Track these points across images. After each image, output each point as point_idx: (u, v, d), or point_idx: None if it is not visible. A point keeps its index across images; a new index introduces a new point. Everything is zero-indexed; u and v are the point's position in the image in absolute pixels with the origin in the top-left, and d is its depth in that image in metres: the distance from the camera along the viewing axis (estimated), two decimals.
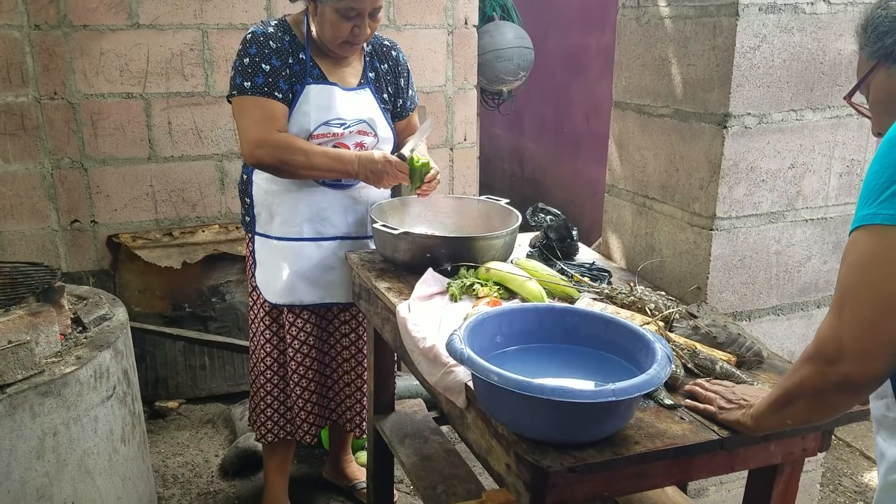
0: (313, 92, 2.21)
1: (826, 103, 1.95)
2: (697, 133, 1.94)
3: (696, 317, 1.73)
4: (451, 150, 3.74)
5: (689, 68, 1.95)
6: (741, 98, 1.84)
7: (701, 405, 1.41)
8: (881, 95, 1.22)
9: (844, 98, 1.36)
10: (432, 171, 2.30)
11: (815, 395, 1.15)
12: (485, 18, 4.38)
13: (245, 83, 2.16)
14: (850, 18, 1.91)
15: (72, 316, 2.24)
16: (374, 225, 2.12)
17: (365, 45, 2.35)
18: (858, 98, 1.31)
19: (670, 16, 2.00)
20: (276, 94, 2.17)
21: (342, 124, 2.25)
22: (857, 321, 1.06)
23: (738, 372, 1.54)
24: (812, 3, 1.86)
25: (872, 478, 3.08)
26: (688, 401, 1.45)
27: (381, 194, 2.44)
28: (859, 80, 1.26)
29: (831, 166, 2.02)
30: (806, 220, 2.03)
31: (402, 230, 2.08)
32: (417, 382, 2.75)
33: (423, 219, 2.41)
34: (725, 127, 1.85)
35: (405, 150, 2.28)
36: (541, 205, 2.31)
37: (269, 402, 2.49)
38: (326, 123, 2.23)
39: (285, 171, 2.20)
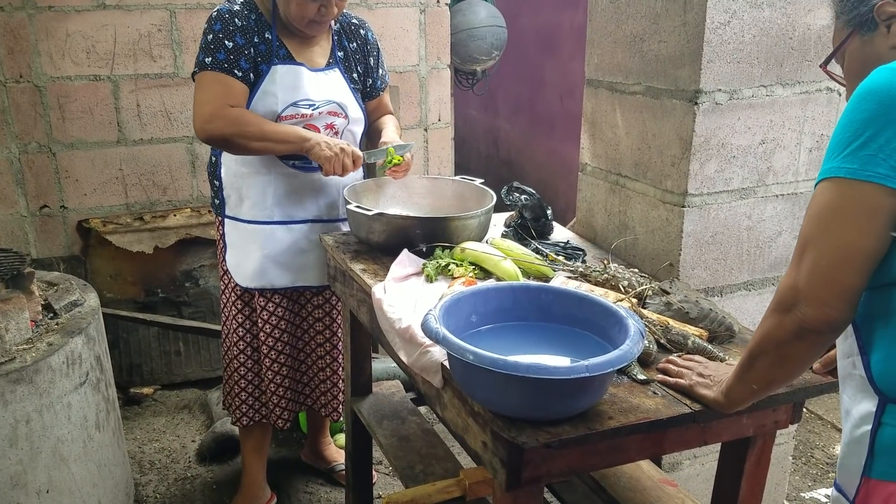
0: (279, 72, 2.18)
1: (796, 79, 1.97)
2: (669, 110, 1.95)
3: (668, 293, 1.74)
4: (426, 130, 3.72)
5: (661, 45, 1.95)
6: (712, 74, 1.85)
7: (672, 379, 1.43)
8: (855, 63, 1.25)
9: (820, 66, 1.38)
10: (407, 157, 2.29)
11: (776, 349, 1.18)
12: None
13: (206, 59, 2.13)
14: None
15: (42, 302, 2.21)
16: (349, 206, 2.10)
17: (333, 23, 2.32)
18: (834, 68, 1.33)
19: None
20: (236, 71, 2.14)
21: (311, 105, 2.22)
22: (814, 269, 1.09)
23: (709, 347, 1.56)
24: None
25: None
26: (660, 375, 1.46)
27: (353, 177, 2.42)
28: (835, 49, 1.28)
29: (801, 141, 2.03)
30: (776, 196, 2.05)
31: (376, 211, 2.07)
32: (394, 364, 2.75)
33: (398, 200, 2.40)
34: (696, 104, 1.86)
35: (369, 155, 2.27)
36: (516, 184, 2.31)
37: (242, 385, 2.48)
38: (294, 105, 2.20)
39: (237, 145, 2.14)
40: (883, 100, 1.06)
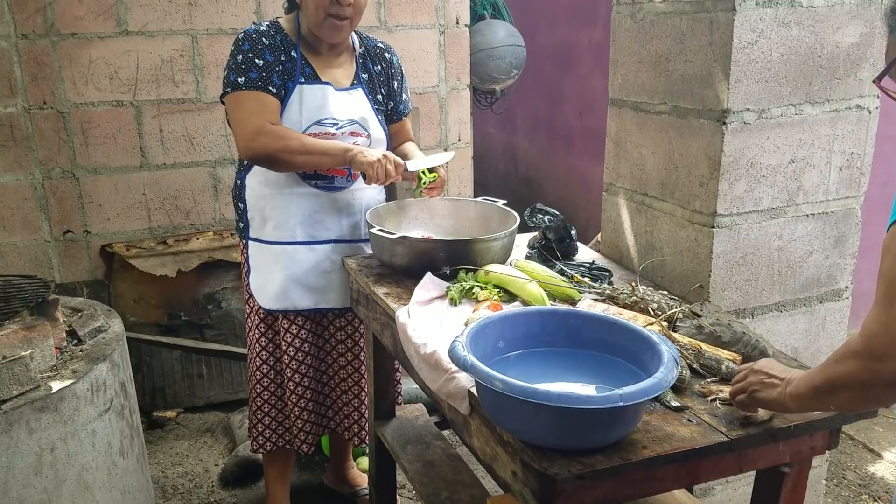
0: (305, 91, 2.19)
1: (825, 97, 1.94)
2: (696, 130, 1.93)
3: (699, 316, 1.71)
4: (445, 150, 3.71)
5: (687, 64, 1.93)
6: (740, 93, 1.83)
7: (738, 396, 1.38)
8: None
9: (874, 81, 1.33)
10: (442, 173, 2.29)
11: (862, 389, 1.13)
12: (476, 17, 4.35)
13: (239, 79, 2.14)
14: (848, 11, 1.89)
15: (67, 329, 2.21)
16: (371, 230, 2.09)
17: (358, 46, 2.33)
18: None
19: (666, 11, 1.98)
20: (270, 88, 2.15)
21: (334, 124, 2.22)
22: None
23: None
24: None
25: (876, 470, 3.08)
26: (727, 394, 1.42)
27: (375, 196, 2.41)
28: (889, 63, 1.24)
29: (831, 160, 2.00)
30: (807, 215, 2.02)
31: (399, 234, 2.06)
32: (416, 386, 2.73)
33: (420, 222, 2.39)
34: (724, 123, 1.83)
35: (410, 164, 2.25)
36: (539, 205, 2.29)
37: (266, 410, 2.47)
38: (319, 122, 2.20)
39: (282, 161, 2.13)
40: None
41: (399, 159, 2.18)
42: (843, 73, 1.94)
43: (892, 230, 1.09)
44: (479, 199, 2.43)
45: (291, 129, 2.15)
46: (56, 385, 1.93)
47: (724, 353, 1.59)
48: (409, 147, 2.47)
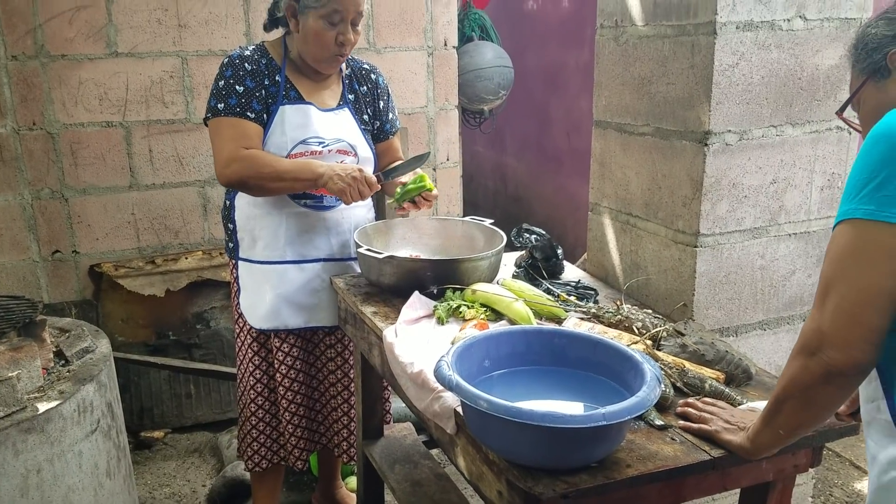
0: (288, 112, 2.21)
1: (806, 118, 1.97)
2: (679, 151, 1.96)
3: (683, 334, 1.73)
4: (434, 170, 3.74)
5: (669, 87, 1.96)
6: (721, 115, 1.86)
7: (695, 425, 1.41)
8: (870, 109, 1.28)
9: (836, 113, 1.40)
10: (434, 192, 2.29)
11: (802, 392, 1.17)
12: (464, 39, 4.40)
13: (219, 105, 2.17)
14: (827, 34, 1.93)
15: (54, 349, 2.21)
16: (359, 249, 2.11)
17: (344, 67, 2.35)
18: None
19: (648, 35, 2.02)
20: (249, 114, 2.17)
21: (321, 143, 2.24)
22: (837, 311, 1.09)
23: (727, 390, 1.54)
24: (789, 20, 1.88)
25: (863, 487, 3.09)
26: (681, 422, 1.44)
27: (365, 215, 2.43)
28: (851, 95, 1.31)
29: (812, 180, 2.03)
30: (789, 235, 2.04)
31: (386, 254, 2.07)
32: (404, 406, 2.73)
33: (408, 241, 2.40)
34: (706, 144, 1.87)
35: (384, 174, 2.27)
36: (525, 226, 2.31)
37: (261, 428, 2.46)
38: (304, 142, 2.22)
39: (254, 186, 2.17)
40: None
41: (371, 176, 2.20)
42: (823, 95, 1.98)
43: (833, 232, 1.14)
44: (466, 218, 2.45)
45: (267, 155, 2.18)
46: (43, 406, 1.93)
47: (707, 372, 1.60)
48: (397, 164, 2.50)
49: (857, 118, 1.34)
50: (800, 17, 1.89)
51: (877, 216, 1.07)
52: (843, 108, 1.36)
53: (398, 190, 2.29)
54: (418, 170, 2.33)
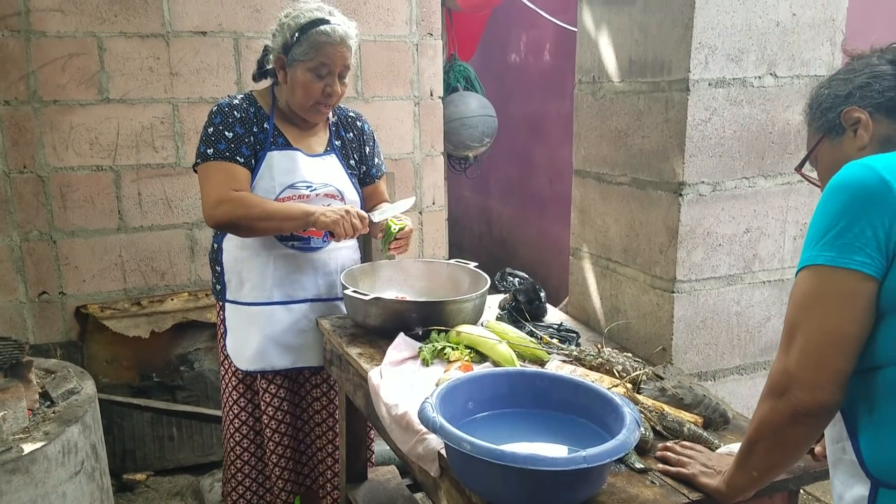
0: (275, 157, 2.26)
1: (777, 170, 2.05)
2: (655, 200, 2.03)
3: (662, 378, 1.78)
4: (420, 213, 3.80)
5: (644, 140, 2.04)
6: (695, 167, 1.93)
7: (674, 468, 1.45)
8: (827, 165, 1.34)
9: (795, 169, 1.48)
10: (406, 228, 2.33)
11: (773, 434, 1.21)
12: (450, 89, 4.51)
13: (208, 150, 2.22)
14: (797, 90, 2.02)
15: (40, 390, 2.22)
16: (346, 291, 2.15)
17: (331, 115, 2.42)
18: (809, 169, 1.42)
19: (624, 91, 2.11)
20: (238, 158, 2.22)
21: (308, 186, 2.29)
22: (803, 354, 1.15)
23: (705, 434, 1.58)
24: (759, 77, 1.97)
25: None
26: (661, 465, 1.48)
27: (351, 256, 2.47)
28: (808, 152, 1.39)
29: (785, 230, 2.10)
30: (763, 282, 2.11)
31: (373, 296, 2.11)
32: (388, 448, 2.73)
33: (394, 283, 2.44)
34: (681, 195, 1.94)
35: (375, 215, 2.32)
36: (509, 269, 2.37)
37: (246, 471, 2.46)
38: (292, 186, 2.27)
39: (244, 227, 2.20)
40: (854, 192, 1.13)
41: (363, 212, 2.24)
42: (794, 149, 2.06)
43: (796, 278, 1.20)
44: (451, 260, 2.50)
45: (256, 196, 2.22)
46: (28, 447, 1.93)
47: (686, 416, 1.65)
48: (383, 206, 2.55)
49: (814, 173, 1.41)
50: (770, 74, 1.98)
51: (837, 262, 1.13)
52: (801, 165, 1.44)
53: (389, 225, 2.33)
54: (389, 217, 2.36)
